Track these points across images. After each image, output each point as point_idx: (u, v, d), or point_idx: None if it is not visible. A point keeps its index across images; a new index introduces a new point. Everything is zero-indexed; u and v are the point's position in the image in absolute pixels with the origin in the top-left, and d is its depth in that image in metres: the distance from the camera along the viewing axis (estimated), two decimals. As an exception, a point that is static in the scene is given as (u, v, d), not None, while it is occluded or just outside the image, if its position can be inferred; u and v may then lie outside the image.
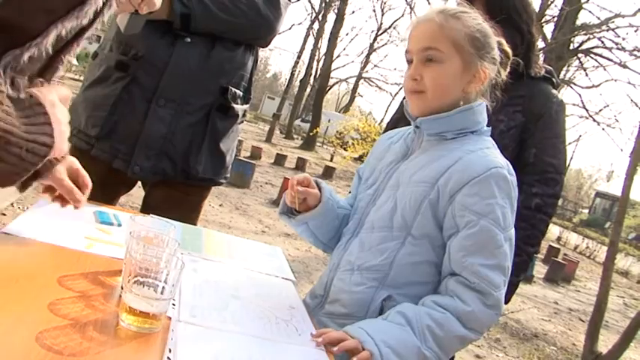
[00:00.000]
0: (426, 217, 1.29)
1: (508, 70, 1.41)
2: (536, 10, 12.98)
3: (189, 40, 1.82)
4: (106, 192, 1.86)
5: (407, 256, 1.30)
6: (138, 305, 0.94)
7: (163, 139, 1.84)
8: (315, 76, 30.71)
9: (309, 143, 23.74)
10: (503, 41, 1.40)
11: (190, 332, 1.01)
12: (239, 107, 1.98)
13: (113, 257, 1.25)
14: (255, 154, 14.43)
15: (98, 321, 0.95)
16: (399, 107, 2.55)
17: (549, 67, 2.12)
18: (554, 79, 2.12)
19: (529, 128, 2.00)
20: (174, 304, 1.08)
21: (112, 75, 1.83)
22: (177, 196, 1.94)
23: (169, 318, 1.02)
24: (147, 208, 1.94)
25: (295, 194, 1.40)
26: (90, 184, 1.32)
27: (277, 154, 15.39)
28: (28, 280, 1.03)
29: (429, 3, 11.97)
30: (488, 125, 1.38)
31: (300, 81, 30.53)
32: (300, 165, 15.25)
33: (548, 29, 12.09)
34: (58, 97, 1.01)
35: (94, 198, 1.71)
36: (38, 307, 0.94)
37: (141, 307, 0.94)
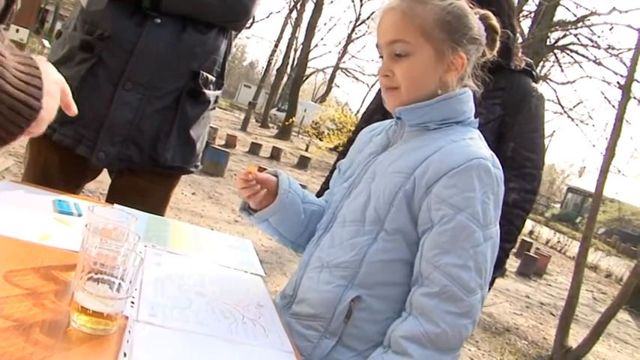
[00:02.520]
0: (400, 210, 1.18)
1: (497, 46, 1.30)
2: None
3: (159, 20, 1.72)
4: (70, 179, 1.79)
5: (379, 253, 1.20)
6: (91, 305, 0.86)
7: (130, 125, 1.74)
8: (292, 65, 30.60)
9: (284, 132, 23.62)
10: (490, 14, 1.29)
11: (149, 333, 0.93)
12: (211, 93, 1.89)
13: (70, 250, 1.16)
14: (230, 142, 14.28)
15: (46, 322, 0.87)
16: (374, 98, 2.49)
17: (529, 60, 2.08)
18: (534, 72, 2.08)
19: (508, 122, 1.96)
20: (132, 303, 1.00)
21: (76, 55, 1.72)
22: (145, 184, 1.85)
23: (126, 318, 0.95)
24: (112, 197, 1.84)
25: (243, 192, 1.33)
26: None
27: (252, 142, 15.25)
28: (-29, 275, 0.95)
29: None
30: (475, 116, 1.28)
31: (277, 70, 30.39)
32: (275, 154, 15.14)
33: (526, 25, 12.15)
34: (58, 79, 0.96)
35: (56, 186, 1.62)
36: (-21, 306, 0.85)
37: (94, 307, 0.86)
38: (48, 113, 0.91)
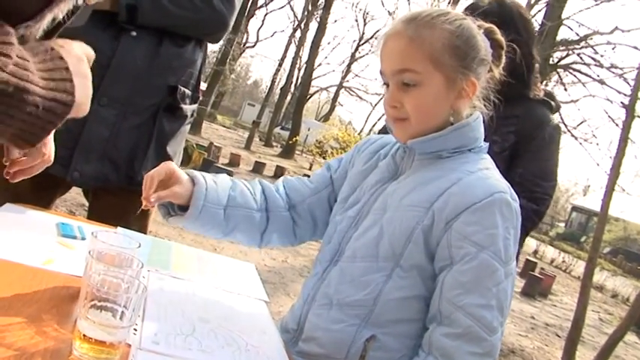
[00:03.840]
0: (417, 246, 1.13)
1: (503, 62, 1.25)
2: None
3: (134, 34, 1.69)
4: (41, 197, 1.74)
5: (394, 291, 1.15)
6: (93, 333, 0.86)
7: (106, 142, 1.70)
8: (295, 84, 30.75)
9: (288, 151, 23.66)
10: (495, 28, 1.23)
11: (151, 362, 0.92)
12: (187, 107, 1.86)
13: (73, 275, 1.15)
14: (234, 161, 14.31)
15: (48, 350, 0.86)
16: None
17: (550, 91, 2.08)
18: (552, 103, 2.07)
19: (518, 149, 1.95)
20: (135, 330, 1.00)
21: None
22: (122, 203, 1.79)
23: (129, 346, 0.94)
24: (92, 218, 1.81)
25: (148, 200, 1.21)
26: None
27: (256, 161, 15.28)
28: (-27, 302, 0.94)
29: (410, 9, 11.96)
30: (485, 140, 1.24)
31: (281, 89, 30.54)
32: (279, 173, 15.15)
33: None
34: (84, 54, 0.95)
35: (27, 203, 1.60)
36: (-19, 334, 0.85)
37: (96, 336, 0.86)
38: (85, 94, 0.92)
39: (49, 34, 0.92)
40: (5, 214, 1.44)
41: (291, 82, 30.29)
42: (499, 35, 1.24)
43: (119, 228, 1.59)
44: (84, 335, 0.86)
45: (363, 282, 1.18)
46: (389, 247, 1.16)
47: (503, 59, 1.26)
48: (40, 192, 1.74)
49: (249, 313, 1.28)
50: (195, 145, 12.38)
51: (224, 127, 30.90)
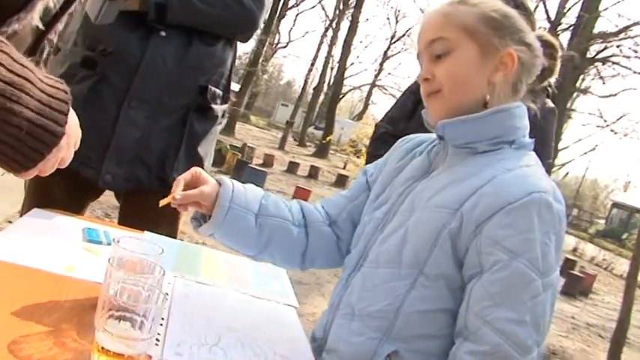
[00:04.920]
0: (443, 253, 1.02)
1: (558, 68, 1.15)
2: (553, 17, 12.82)
3: (164, 34, 1.65)
4: (73, 201, 1.72)
5: (417, 302, 1.03)
6: (111, 346, 0.82)
7: (137, 144, 1.68)
8: (328, 83, 30.70)
9: (322, 151, 23.65)
10: (544, 33, 1.15)
11: (174, 375, 0.88)
12: (218, 107, 1.82)
13: (96, 282, 1.11)
14: (268, 161, 14.33)
15: (66, 363, 0.83)
16: (396, 105, 2.43)
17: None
18: (548, 88, 2.06)
19: None
20: (157, 340, 0.95)
21: (77, 73, 1.65)
22: (153, 206, 1.76)
23: (150, 357, 0.90)
24: (123, 222, 1.79)
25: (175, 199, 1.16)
26: None
27: (290, 161, 15.29)
28: (-9, 312, 0.91)
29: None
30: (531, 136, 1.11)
31: (314, 88, 30.53)
32: (313, 173, 15.13)
33: (565, 38, 11.91)
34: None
35: (59, 208, 1.58)
36: (-4, 347, 0.81)
37: (115, 348, 0.82)
38: (68, 144, 0.87)
39: (47, 27, 0.87)
40: (32, 219, 1.42)
41: (324, 82, 30.28)
42: (548, 37, 1.15)
43: (146, 232, 1.56)
44: (102, 347, 0.82)
45: (385, 290, 1.07)
46: (412, 253, 1.05)
47: (559, 63, 1.16)
48: (72, 196, 1.74)
49: (278, 321, 1.24)
50: (228, 146, 12.44)
51: (258, 127, 31.03)
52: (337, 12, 28.94)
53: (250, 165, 11.01)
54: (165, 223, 1.75)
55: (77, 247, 1.31)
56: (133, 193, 1.78)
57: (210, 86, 1.77)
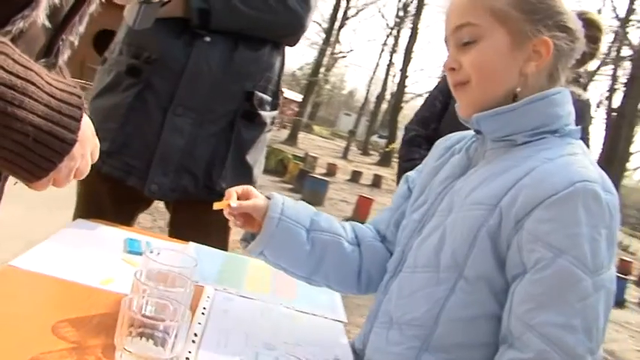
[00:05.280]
0: (483, 253, 0.93)
1: (601, 49, 1.05)
2: (622, 15, 12.26)
3: (208, 39, 1.61)
4: (122, 211, 1.70)
5: (458, 308, 0.95)
6: (132, 366, 0.75)
7: (182, 153, 1.63)
8: (390, 91, 30.52)
9: (385, 159, 23.50)
10: (587, 10, 1.04)
11: (202, 398, 0.81)
12: (266, 114, 1.76)
13: (131, 295, 1.06)
14: (331, 170, 14.32)
15: (84, 385, 0.77)
16: (425, 105, 2.34)
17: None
18: (580, 80, 1.93)
19: None
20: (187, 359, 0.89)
21: (122, 81, 1.63)
22: (201, 217, 1.64)
23: (177, 378, 0.83)
24: (173, 233, 1.75)
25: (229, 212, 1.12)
26: None
27: (353, 170, 15.21)
28: (15, 326, 0.87)
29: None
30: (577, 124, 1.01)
31: (376, 97, 30.42)
32: (376, 181, 14.99)
33: (637, 35, 11.36)
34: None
35: (108, 218, 1.55)
36: (14, 365, 0.76)
37: (135, 369, 0.75)
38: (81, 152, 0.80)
39: (60, 27, 0.82)
40: (74, 230, 1.39)
41: (386, 90, 30.11)
42: (594, 15, 1.05)
43: (190, 244, 1.51)
44: (122, 368, 0.76)
45: (423, 296, 0.98)
46: (450, 254, 0.96)
47: (602, 46, 1.06)
48: (121, 205, 1.71)
49: (322, 337, 1.15)
50: (291, 156, 12.49)
51: (321, 137, 31.15)
52: (397, 20, 28.78)
53: (312, 174, 11.00)
54: (215, 234, 1.70)
55: (116, 259, 1.26)
56: (182, 203, 1.74)
57: (256, 92, 1.71)
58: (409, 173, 1.27)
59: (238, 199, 1.14)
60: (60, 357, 0.81)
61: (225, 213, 1.13)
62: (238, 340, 1.01)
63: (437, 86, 2.37)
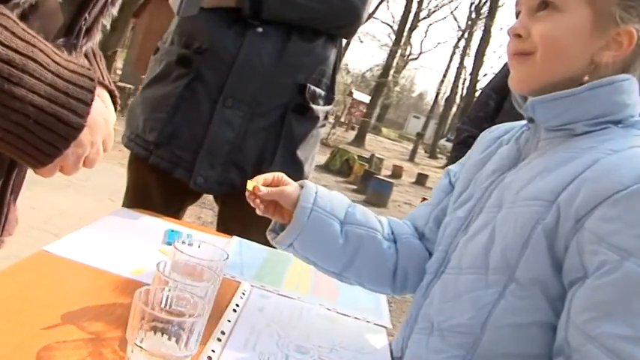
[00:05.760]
0: (537, 254, 0.83)
1: None
2: None
3: (260, 30, 1.56)
4: (170, 203, 1.66)
5: (508, 314, 0.85)
6: (143, 363, 0.70)
7: (231, 146, 1.58)
8: (461, 94, 29.99)
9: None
10: None
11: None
12: (319, 108, 1.68)
13: (162, 287, 1.02)
14: (396, 172, 14.15)
15: (93, 379, 0.72)
16: (477, 105, 2.21)
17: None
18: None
19: None
20: (210, 359, 0.83)
21: (173, 72, 1.59)
22: (247, 212, 1.68)
23: (193, 378, 0.77)
24: (222, 225, 1.71)
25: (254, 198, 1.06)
26: None
27: (419, 173, 14.98)
28: (35, 312, 0.83)
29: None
30: None
31: (446, 100, 29.94)
32: (442, 185, 14.72)
33: None
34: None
35: (156, 209, 1.52)
36: (24, 353, 0.72)
37: (146, 366, 0.70)
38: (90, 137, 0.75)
39: (81, 8, 0.78)
40: (115, 218, 1.37)
41: (456, 93, 29.59)
42: None
43: (234, 237, 1.46)
44: (132, 365, 0.70)
45: (469, 300, 0.89)
46: (500, 255, 0.86)
47: None
48: (169, 197, 1.69)
49: (362, 343, 1.06)
50: (356, 157, 12.40)
51: (389, 139, 30.94)
52: (469, 22, 28.23)
53: (377, 175, 10.88)
54: (263, 228, 1.65)
55: (152, 249, 1.22)
56: (230, 196, 1.70)
57: (309, 85, 1.64)
58: (451, 167, 1.18)
59: (269, 184, 1.08)
60: (74, 347, 0.77)
61: (249, 198, 1.08)
62: (269, 341, 0.94)
63: (489, 84, 2.26)
